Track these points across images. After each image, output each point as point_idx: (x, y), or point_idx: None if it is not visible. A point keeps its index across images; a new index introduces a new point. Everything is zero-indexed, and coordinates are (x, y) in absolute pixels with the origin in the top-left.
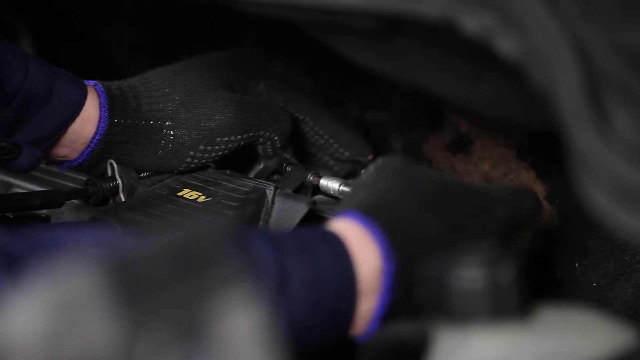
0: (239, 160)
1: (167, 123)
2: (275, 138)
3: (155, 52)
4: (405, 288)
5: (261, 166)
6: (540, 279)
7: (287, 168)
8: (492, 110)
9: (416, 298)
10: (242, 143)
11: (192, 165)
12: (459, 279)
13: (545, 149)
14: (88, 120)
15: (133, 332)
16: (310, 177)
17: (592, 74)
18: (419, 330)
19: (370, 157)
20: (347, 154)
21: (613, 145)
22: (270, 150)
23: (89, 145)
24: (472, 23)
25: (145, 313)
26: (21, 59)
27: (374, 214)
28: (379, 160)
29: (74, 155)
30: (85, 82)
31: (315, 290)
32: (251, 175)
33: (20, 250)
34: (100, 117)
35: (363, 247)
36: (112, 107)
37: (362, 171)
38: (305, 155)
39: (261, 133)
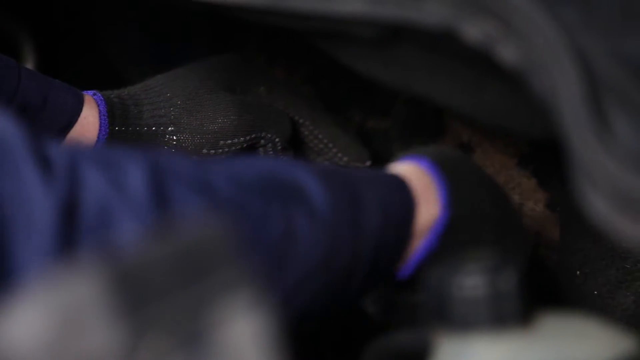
0: None
1: (169, 128)
2: (277, 140)
3: (157, 61)
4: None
5: None
6: (542, 286)
7: None
8: (493, 119)
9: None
10: (244, 145)
11: None
12: (460, 286)
13: (547, 157)
14: (88, 128)
15: (134, 341)
16: None
17: (592, 81)
18: (421, 338)
19: (368, 163)
20: (345, 159)
21: (614, 153)
22: (271, 152)
23: None
24: (473, 31)
25: (146, 321)
26: (12, 69)
27: (440, 164)
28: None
29: None
30: (84, 92)
31: (383, 214)
32: None
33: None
34: (100, 125)
35: (425, 192)
36: (112, 114)
37: None
38: (303, 161)
39: (263, 135)
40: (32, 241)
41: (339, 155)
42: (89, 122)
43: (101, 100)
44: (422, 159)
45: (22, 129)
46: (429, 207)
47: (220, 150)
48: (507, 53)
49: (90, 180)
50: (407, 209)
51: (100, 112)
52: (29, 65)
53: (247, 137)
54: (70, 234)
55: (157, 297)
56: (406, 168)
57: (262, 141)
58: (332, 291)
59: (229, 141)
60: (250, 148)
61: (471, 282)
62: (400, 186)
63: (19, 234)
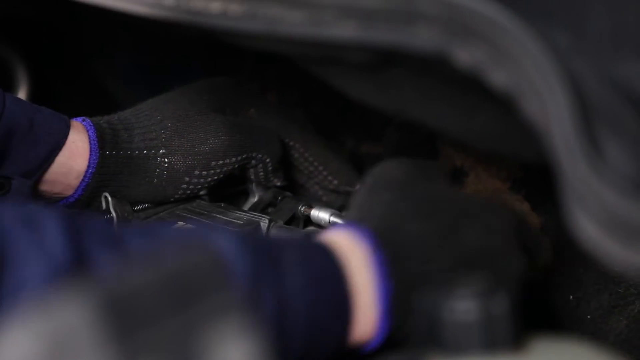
0: (232, 193)
1: (161, 151)
2: (267, 160)
3: (150, 87)
4: (403, 310)
5: (255, 199)
6: (534, 311)
7: (280, 200)
8: (485, 143)
9: (413, 323)
10: (236, 166)
11: (188, 192)
12: (452, 310)
13: (539, 181)
14: (77, 153)
15: None
16: (302, 209)
17: (584, 106)
18: None
19: (357, 187)
20: (335, 182)
21: (605, 177)
22: (262, 173)
23: (83, 180)
24: (464, 56)
25: (137, 347)
26: None
27: (366, 222)
28: (373, 171)
29: (69, 191)
30: (74, 119)
31: (313, 290)
32: (245, 208)
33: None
34: (91, 151)
35: (356, 257)
36: (102, 139)
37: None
38: (293, 185)
39: (254, 155)
40: None
41: (329, 178)
42: (78, 147)
43: (90, 125)
44: (347, 225)
45: None
46: (363, 272)
47: (212, 171)
48: (498, 78)
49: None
50: (336, 275)
51: (89, 137)
52: (22, 89)
53: (239, 158)
54: None
55: (147, 323)
56: (333, 237)
57: (253, 161)
58: None
59: (221, 162)
60: (242, 168)
61: (463, 306)
62: (325, 252)
63: None
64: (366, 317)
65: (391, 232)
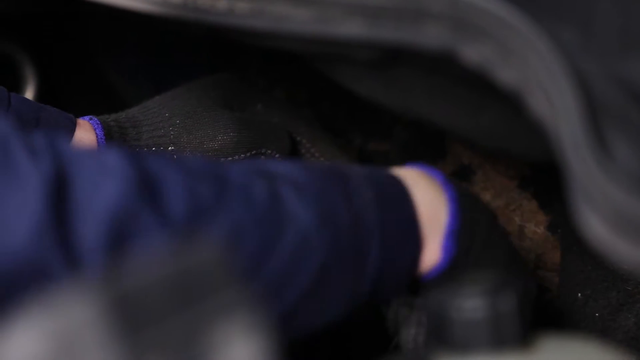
0: None
1: (169, 148)
2: (277, 156)
3: (156, 86)
4: (466, 241)
5: None
6: (542, 309)
7: None
8: (493, 141)
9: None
10: None
11: None
12: (459, 309)
13: (548, 179)
14: None
15: None
16: None
17: (591, 104)
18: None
19: None
20: None
21: (613, 175)
22: None
23: None
24: (471, 53)
25: (144, 344)
26: (1, 92)
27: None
28: None
29: None
30: (81, 118)
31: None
32: None
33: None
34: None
35: (422, 185)
36: (109, 137)
37: None
38: None
39: (263, 151)
40: (26, 211)
41: None
42: (85, 146)
43: (97, 124)
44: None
45: (13, 125)
46: (432, 199)
47: None
48: (505, 76)
49: (71, 154)
50: (406, 201)
51: (97, 135)
52: (30, 88)
53: (248, 154)
54: (60, 203)
55: (155, 320)
56: (404, 171)
57: (263, 157)
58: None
59: (230, 158)
60: None
61: (471, 304)
62: (395, 181)
63: (13, 208)
64: (432, 243)
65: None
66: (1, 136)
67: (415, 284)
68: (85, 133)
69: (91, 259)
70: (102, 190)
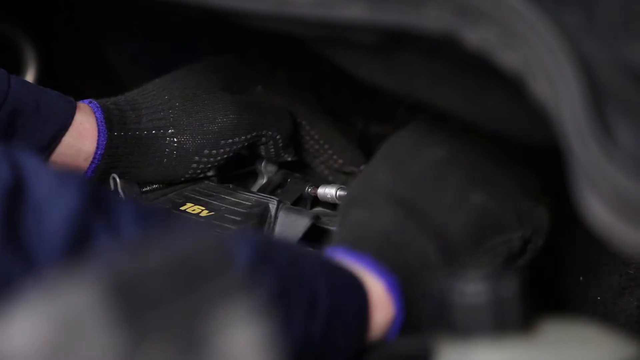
0: (241, 174)
1: (169, 131)
2: (278, 137)
3: (158, 69)
4: (412, 298)
5: (264, 180)
6: (544, 292)
7: (289, 181)
8: (495, 125)
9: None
10: (245, 144)
11: (198, 171)
12: (461, 293)
13: (549, 163)
14: (85, 134)
15: (132, 348)
16: (309, 189)
17: (594, 88)
18: (422, 344)
19: (362, 167)
20: (340, 161)
21: (616, 160)
22: (272, 150)
23: (92, 162)
24: (473, 37)
25: (145, 329)
26: (1, 75)
27: (358, 245)
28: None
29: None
30: (80, 101)
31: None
32: (254, 190)
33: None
34: (99, 132)
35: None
36: (109, 120)
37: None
38: (299, 165)
39: (264, 132)
40: None
41: (334, 157)
42: (85, 129)
43: (97, 107)
44: (341, 250)
45: None
46: (372, 284)
47: (222, 150)
48: (508, 59)
49: (29, 163)
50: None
51: (97, 118)
52: (31, 71)
53: (248, 136)
54: (16, 208)
55: (155, 305)
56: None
57: (264, 139)
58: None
59: (230, 140)
60: (251, 146)
61: (472, 288)
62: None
63: None
64: (381, 312)
65: (391, 246)
66: None
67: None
68: (85, 116)
69: (49, 262)
70: (60, 198)
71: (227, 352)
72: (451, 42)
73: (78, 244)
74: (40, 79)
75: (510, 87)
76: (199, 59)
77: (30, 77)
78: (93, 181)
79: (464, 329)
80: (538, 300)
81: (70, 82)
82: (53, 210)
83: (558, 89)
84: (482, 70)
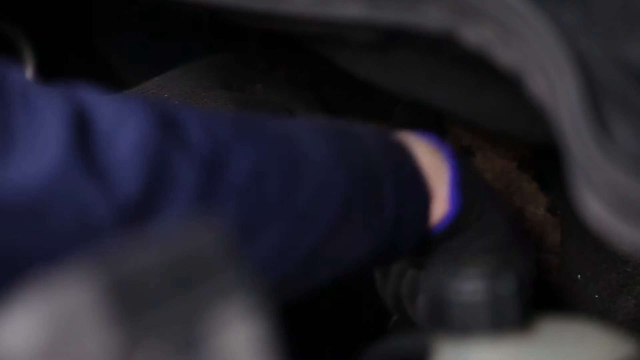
0: None
1: None
2: None
3: (157, 68)
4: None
5: None
6: (542, 291)
7: None
8: (493, 122)
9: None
10: None
11: None
12: (459, 291)
13: (548, 161)
14: None
15: (129, 347)
16: None
17: (592, 85)
18: (420, 343)
19: None
20: None
21: (613, 157)
22: None
23: None
24: (471, 35)
25: (141, 328)
26: None
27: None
28: None
29: None
30: None
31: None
32: None
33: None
34: None
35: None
36: None
37: None
38: None
39: None
40: (51, 142)
41: None
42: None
43: None
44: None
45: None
46: (430, 157)
47: None
48: (505, 57)
49: (91, 96)
50: (409, 155)
51: None
52: (29, 69)
53: None
54: (85, 136)
55: (152, 304)
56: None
57: None
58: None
59: None
60: None
61: (470, 287)
62: (394, 137)
63: (39, 140)
64: (439, 195)
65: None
66: (20, 85)
67: (424, 245)
68: None
69: (128, 190)
70: (126, 126)
71: (224, 351)
72: (449, 40)
73: (153, 169)
74: (39, 76)
75: (507, 85)
76: (196, 56)
77: (28, 74)
78: (155, 101)
79: (461, 327)
80: (536, 298)
81: (68, 79)
82: (121, 139)
83: (556, 87)
84: (479, 69)
